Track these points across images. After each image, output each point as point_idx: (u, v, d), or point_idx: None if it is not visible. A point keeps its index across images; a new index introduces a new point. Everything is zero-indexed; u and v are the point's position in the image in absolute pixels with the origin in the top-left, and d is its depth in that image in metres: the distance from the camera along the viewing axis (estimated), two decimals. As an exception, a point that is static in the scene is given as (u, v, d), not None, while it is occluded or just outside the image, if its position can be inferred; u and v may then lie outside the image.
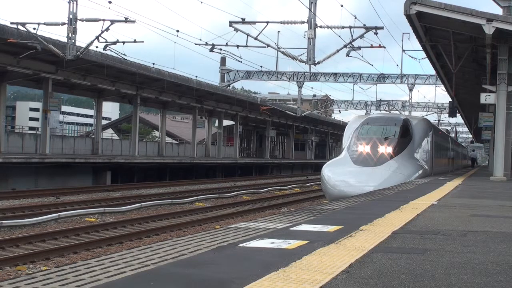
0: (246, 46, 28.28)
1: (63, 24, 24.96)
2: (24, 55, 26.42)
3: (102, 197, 22.86)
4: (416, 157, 21.71)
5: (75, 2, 24.61)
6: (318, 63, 26.70)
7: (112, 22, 24.93)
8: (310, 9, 24.51)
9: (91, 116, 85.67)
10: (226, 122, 54.43)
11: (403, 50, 40.87)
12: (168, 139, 53.25)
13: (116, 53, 27.15)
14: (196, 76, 39.07)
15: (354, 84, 49.85)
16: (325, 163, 21.05)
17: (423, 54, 27.14)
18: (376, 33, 26.72)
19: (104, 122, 47.06)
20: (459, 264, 4.57)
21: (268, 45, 27.52)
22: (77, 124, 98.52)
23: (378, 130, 20.96)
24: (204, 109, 45.74)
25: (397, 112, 51.69)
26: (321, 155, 73.57)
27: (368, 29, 26.54)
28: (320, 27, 25.23)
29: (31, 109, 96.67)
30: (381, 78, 47.09)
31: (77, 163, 29.35)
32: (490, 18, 18.06)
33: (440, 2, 18.45)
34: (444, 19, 19.09)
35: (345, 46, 27.47)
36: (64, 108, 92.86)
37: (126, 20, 25.20)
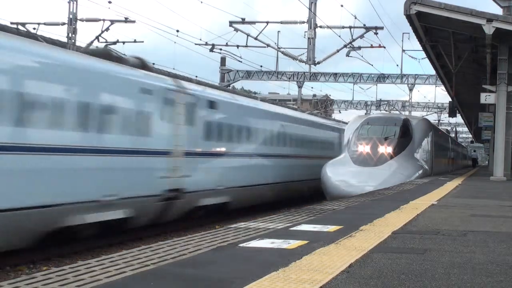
0: (246, 46, 28.34)
1: (63, 24, 25.00)
2: (24, 55, 26.35)
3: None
4: (416, 157, 21.70)
5: (75, 2, 24.64)
6: (318, 63, 26.76)
7: (112, 22, 24.94)
8: (310, 9, 24.53)
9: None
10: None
11: (403, 50, 40.89)
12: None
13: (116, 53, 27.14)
14: (196, 76, 39.01)
15: (354, 84, 49.75)
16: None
17: (423, 54, 27.19)
18: (376, 33, 26.76)
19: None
20: (459, 264, 4.57)
21: (268, 45, 27.57)
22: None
23: (378, 130, 20.97)
24: (204, 109, 45.64)
25: (397, 112, 51.68)
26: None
27: (368, 29, 26.57)
28: (320, 27, 25.30)
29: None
30: (381, 78, 46.99)
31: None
32: (490, 18, 18.05)
33: (440, 2, 18.45)
34: (444, 19, 19.09)
35: (345, 46, 27.51)
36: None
37: (126, 20, 25.22)
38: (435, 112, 59.82)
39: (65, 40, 25.51)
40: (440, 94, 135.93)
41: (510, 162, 20.78)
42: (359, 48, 28.25)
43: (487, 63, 21.47)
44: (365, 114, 47.65)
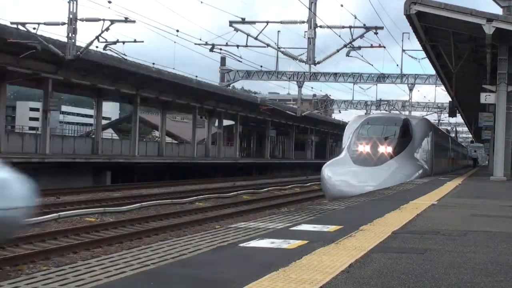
0: (246, 46, 28.32)
1: (63, 24, 24.99)
2: (24, 55, 26.43)
3: (102, 197, 22.85)
4: (416, 157, 21.70)
5: (75, 2, 24.63)
6: (318, 63, 26.75)
7: (112, 22, 24.95)
8: (310, 9, 24.54)
9: (91, 116, 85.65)
10: (226, 122, 54.42)
11: (403, 50, 40.88)
12: (168, 139, 53.27)
13: (116, 53, 27.17)
14: (196, 76, 39.06)
15: (354, 84, 49.84)
16: (325, 163, 21.05)
17: (423, 54, 27.20)
18: (376, 33, 26.76)
19: (104, 122, 47.06)
20: (459, 264, 4.57)
21: (268, 45, 27.55)
22: (77, 124, 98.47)
23: (378, 130, 20.97)
24: (204, 109, 45.72)
25: (397, 112, 51.68)
26: (321, 155, 73.59)
27: (368, 29, 26.57)
28: (320, 27, 25.29)
29: (31, 109, 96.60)
30: (381, 78, 47.06)
31: (77, 163, 29.33)
32: (490, 18, 18.06)
33: (440, 2, 18.45)
34: (444, 19, 19.09)
35: (345, 46, 27.51)
36: (64, 108, 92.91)
37: (126, 20, 25.22)
38: (435, 112, 59.88)
39: (65, 40, 25.52)
40: (440, 94, 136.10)
41: (510, 162, 20.78)
42: (359, 48, 28.25)
43: (487, 63, 21.47)
44: (365, 114, 47.60)
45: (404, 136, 21.02)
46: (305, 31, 24.96)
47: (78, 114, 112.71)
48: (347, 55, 28.84)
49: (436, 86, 48.88)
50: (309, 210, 8.68)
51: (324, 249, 5.04)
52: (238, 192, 26.36)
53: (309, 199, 26.09)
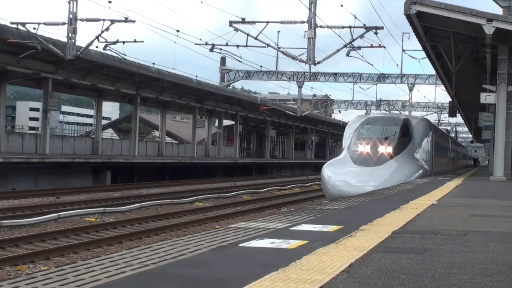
0: (246, 46, 28.29)
1: (63, 24, 24.98)
2: (24, 55, 26.43)
3: (102, 197, 22.86)
4: (416, 157, 21.70)
5: (75, 2, 24.62)
6: (318, 63, 26.72)
7: (112, 22, 24.94)
8: (310, 9, 24.54)
9: (91, 116, 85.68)
10: (226, 122, 54.44)
11: (403, 50, 40.84)
12: (168, 139, 53.27)
13: (116, 53, 27.15)
14: (196, 76, 39.05)
15: (354, 84, 49.84)
16: (325, 163, 21.05)
17: (423, 54, 27.13)
18: (376, 33, 26.73)
19: (104, 122, 47.05)
20: (459, 264, 4.57)
21: (268, 45, 27.53)
22: (77, 124, 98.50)
23: (378, 130, 20.97)
24: (204, 109, 45.73)
25: (397, 112, 51.68)
26: (321, 155, 73.61)
27: (368, 29, 26.56)
28: (320, 27, 25.26)
29: (31, 109, 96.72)
30: (381, 78, 47.05)
31: (77, 163, 29.33)
32: (490, 18, 18.06)
33: (440, 2, 18.45)
34: (444, 19, 19.09)
35: (345, 46, 27.49)
36: (64, 108, 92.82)
37: (126, 20, 25.21)
38: (435, 112, 59.89)
39: (65, 40, 25.52)
40: (440, 94, 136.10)
41: (510, 162, 20.78)
42: (359, 48, 28.22)
43: (487, 63, 21.46)
44: (365, 114, 47.61)
45: (404, 136, 21.02)
46: (305, 31, 24.94)
47: (78, 114, 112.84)
48: (347, 55, 28.83)
49: (436, 86, 48.90)
50: (309, 210, 8.68)
51: (324, 249, 5.05)
52: (238, 192, 26.37)
53: (309, 199, 26.09)
